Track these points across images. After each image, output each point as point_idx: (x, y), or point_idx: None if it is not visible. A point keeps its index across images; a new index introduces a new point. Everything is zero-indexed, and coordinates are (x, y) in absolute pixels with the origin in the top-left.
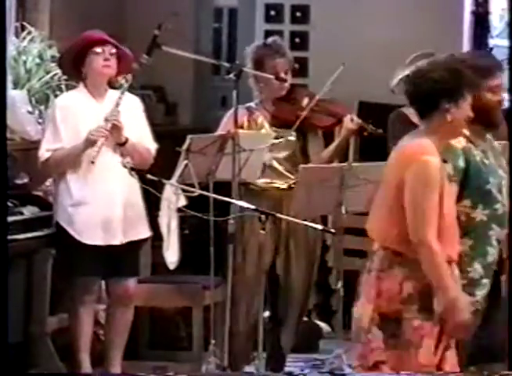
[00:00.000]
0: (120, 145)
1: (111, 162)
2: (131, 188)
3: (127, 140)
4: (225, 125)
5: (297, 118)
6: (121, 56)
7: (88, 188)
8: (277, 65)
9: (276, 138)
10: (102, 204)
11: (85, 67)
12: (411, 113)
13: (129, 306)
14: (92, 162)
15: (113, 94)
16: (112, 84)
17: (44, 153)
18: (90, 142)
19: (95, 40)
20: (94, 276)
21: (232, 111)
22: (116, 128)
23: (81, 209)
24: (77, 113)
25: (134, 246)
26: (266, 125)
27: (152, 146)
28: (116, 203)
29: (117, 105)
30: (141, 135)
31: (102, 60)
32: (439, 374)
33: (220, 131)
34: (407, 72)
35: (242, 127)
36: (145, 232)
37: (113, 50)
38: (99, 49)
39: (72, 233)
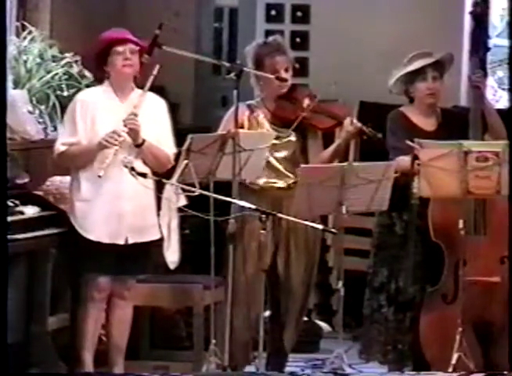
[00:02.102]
0: (137, 146)
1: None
2: (143, 189)
3: (143, 142)
4: (226, 124)
5: (296, 118)
6: (143, 52)
7: (98, 185)
8: (277, 63)
9: (276, 137)
10: (111, 203)
11: (108, 67)
12: (410, 112)
13: (128, 300)
14: (99, 176)
15: (138, 93)
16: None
17: (59, 147)
18: (102, 147)
19: (115, 39)
20: (104, 273)
21: (232, 110)
22: (133, 131)
23: (89, 205)
24: (97, 110)
25: (144, 246)
26: (266, 124)
27: (170, 150)
28: (126, 202)
29: (136, 107)
30: (160, 137)
31: (123, 60)
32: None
33: (221, 130)
34: (404, 72)
35: (242, 125)
36: (154, 234)
37: (135, 48)
38: (119, 48)
39: (79, 228)
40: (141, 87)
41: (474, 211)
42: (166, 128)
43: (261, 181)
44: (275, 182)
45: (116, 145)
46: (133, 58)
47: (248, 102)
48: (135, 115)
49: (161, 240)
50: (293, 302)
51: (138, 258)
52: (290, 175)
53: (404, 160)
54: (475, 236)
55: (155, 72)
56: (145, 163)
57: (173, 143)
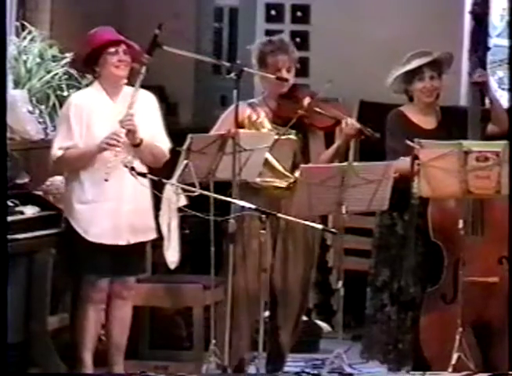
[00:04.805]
0: (135, 146)
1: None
2: (142, 189)
3: (141, 141)
4: (225, 122)
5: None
6: (133, 53)
7: (100, 187)
8: (278, 62)
9: (277, 135)
10: (111, 204)
11: (99, 67)
12: (409, 111)
13: (127, 300)
14: (106, 180)
15: (128, 91)
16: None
17: (56, 152)
18: (102, 150)
19: (109, 41)
20: (102, 274)
21: (231, 108)
22: (131, 132)
23: (91, 207)
24: (91, 112)
25: (142, 245)
26: (267, 123)
27: (165, 145)
28: (125, 203)
29: (131, 106)
30: (154, 133)
31: (117, 61)
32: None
33: (218, 127)
34: (401, 71)
35: (243, 123)
36: (151, 233)
37: (127, 48)
38: (113, 49)
39: (80, 230)
40: (131, 84)
41: (472, 211)
42: (159, 123)
43: (260, 180)
44: (274, 182)
45: (118, 147)
46: (126, 58)
47: (250, 100)
48: (131, 115)
49: (161, 239)
50: (291, 302)
51: (137, 257)
52: (289, 175)
53: (404, 162)
54: (474, 237)
55: (143, 71)
56: (142, 161)
57: (167, 138)
